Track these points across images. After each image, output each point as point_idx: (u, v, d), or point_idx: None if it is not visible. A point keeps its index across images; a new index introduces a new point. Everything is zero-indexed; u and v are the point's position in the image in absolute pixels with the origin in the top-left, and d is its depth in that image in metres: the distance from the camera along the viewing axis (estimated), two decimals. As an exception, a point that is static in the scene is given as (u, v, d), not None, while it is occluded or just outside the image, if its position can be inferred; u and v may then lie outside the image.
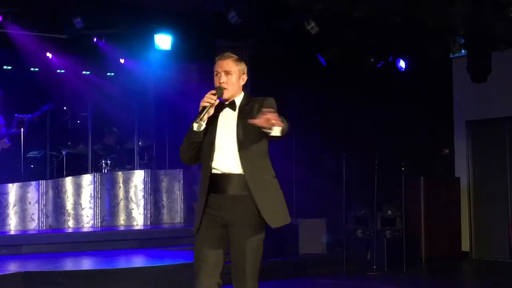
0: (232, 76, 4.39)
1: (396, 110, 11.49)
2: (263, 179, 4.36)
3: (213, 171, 4.29)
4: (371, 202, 10.23)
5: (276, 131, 4.21)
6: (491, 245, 11.39)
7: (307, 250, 10.19)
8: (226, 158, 4.28)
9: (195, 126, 4.27)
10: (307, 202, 11.00)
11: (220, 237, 4.31)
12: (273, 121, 4.10)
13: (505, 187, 11.27)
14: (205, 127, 4.30)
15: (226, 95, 4.35)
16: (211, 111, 4.27)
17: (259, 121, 4.08)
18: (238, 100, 4.44)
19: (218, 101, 4.30)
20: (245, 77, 4.51)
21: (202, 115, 4.21)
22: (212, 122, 4.34)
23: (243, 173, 4.25)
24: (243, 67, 4.50)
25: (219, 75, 4.38)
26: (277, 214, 4.40)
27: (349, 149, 10.36)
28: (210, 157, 4.29)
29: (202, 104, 4.21)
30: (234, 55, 4.48)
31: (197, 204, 4.42)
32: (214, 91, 4.28)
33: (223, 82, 4.35)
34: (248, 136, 4.28)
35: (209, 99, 4.23)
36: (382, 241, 10.18)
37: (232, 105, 4.39)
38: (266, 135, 4.22)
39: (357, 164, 10.31)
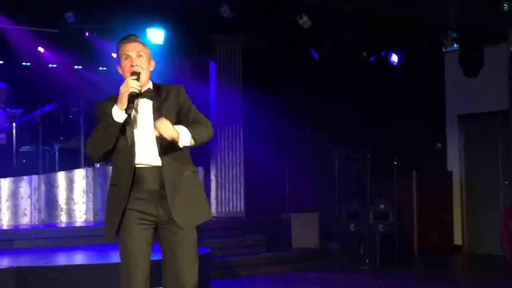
0: (144, 58, 4.04)
1: (389, 104, 11.53)
2: (177, 173, 3.99)
3: (137, 165, 3.96)
4: (364, 196, 10.26)
5: (183, 141, 3.85)
6: (483, 238, 11.43)
7: (300, 244, 10.21)
8: (147, 151, 3.97)
9: (119, 116, 3.86)
10: (300, 196, 11.02)
11: (149, 236, 4.02)
12: (166, 130, 3.77)
13: (497, 181, 11.31)
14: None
15: (141, 80, 3.97)
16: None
17: (160, 133, 3.79)
18: (151, 88, 4.09)
19: (140, 89, 3.94)
20: (153, 63, 4.17)
21: (133, 103, 3.84)
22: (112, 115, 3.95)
23: (163, 165, 3.94)
24: (149, 51, 4.15)
25: (129, 58, 4.00)
26: (189, 212, 3.99)
27: (341, 143, 10.39)
28: (131, 151, 3.95)
29: (129, 90, 3.83)
30: (139, 38, 4.13)
31: (111, 202, 4.06)
32: (133, 77, 3.91)
33: (136, 65, 3.98)
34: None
35: (134, 85, 3.87)
36: (374, 235, 10.21)
37: (148, 94, 4.04)
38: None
39: (350, 158, 10.34)
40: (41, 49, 10.70)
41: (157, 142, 3.96)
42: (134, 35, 4.16)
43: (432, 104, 11.99)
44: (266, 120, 11.00)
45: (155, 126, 3.79)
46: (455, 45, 10.66)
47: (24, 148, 11.10)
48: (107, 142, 3.94)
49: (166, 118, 3.86)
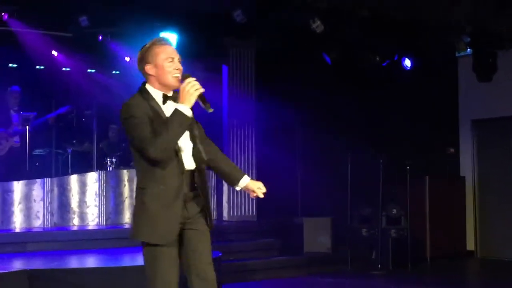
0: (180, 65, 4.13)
1: (402, 109, 11.49)
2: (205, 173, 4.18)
3: (186, 167, 4.04)
4: (376, 201, 10.22)
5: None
6: (496, 244, 11.37)
7: (312, 248, 10.19)
8: (186, 155, 4.07)
9: (190, 113, 3.91)
10: (312, 200, 11.01)
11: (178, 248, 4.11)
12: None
13: (510, 186, 11.24)
14: (157, 122, 3.95)
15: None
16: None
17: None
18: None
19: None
20: None
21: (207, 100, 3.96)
22: (162, 116, 4.01)
23: (194, 169, 4.10)
24: None
25: (173, 61, 4.07)
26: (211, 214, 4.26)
27: (354, 147, 10.36)
28: (178, 153, 4.01)
29: (200, 90, 3.93)
30: None
31: (158, 204, 4.00)
32: (193, 78, 3.98)
33: (179, 69, 4.07)
34: (194, 130, 4.14)
35: (198, 85, 3.95)
36: (387, 240, 10.17)
37: (175, 98, 4.05)
38: None
39: (362, 163, 10.30)
40: (54, 53, 10.75)
41: (193, 147, 4.08)
42: (168, 39, 4.25)
43: (445, 109, 11.95)
44: (279, 124, 11.00)
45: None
46: (468, 49, 10.61)
47: (37, 151, 11.15)
48: (177, 140, 3.95)
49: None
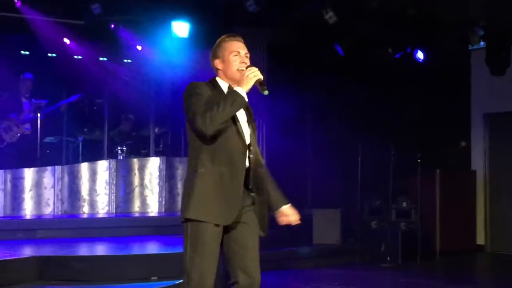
0: (248, 61, 4.20)
1: (414, 101, 11.44)
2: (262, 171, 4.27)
3: (247, 164, 4.09)
4: (386, 194, 10.19)
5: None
6: (506, 239, 11.31)
7: (321, 240, 10.17)
8: (254, 154, 4.16)
9: (243, 94, 3.99)
10: (322, 192, 11.00)
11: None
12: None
13: (521, 181, 11.19)
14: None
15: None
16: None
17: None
18: None
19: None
20: None
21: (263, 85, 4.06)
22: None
23: (249, 168, 4.13)
24: None
25: (239, 55, 4.17)
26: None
27: (365, 139, 10.33)
28: (243, 151, 4.07)
29: (258, 76, 4.02)
30: None
31: (219, 192, 4.01)
32: (255, 68, 4.07)
33: (245, 62, 4.15)
34: (253, 128, 4.23)
35: (258, 72, 4.05)
36: (396, 232, 10.14)
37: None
38: None
39: (373, 155, 10.27)
40: (66, 41, 10.76)
41: (251, 136, 4.14)
42: (239, 35, 4.31)
43: (458, 102, 11.88)
44: (290, 115, 10.97)
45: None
46: (481, 43, 10.55)
47: (48, 139, 11.18)
48: (228, 117, 3.95)
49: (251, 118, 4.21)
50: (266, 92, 4.06)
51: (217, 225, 3.99)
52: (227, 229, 4.07)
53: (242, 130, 4.08)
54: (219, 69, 4.21)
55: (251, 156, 4.11)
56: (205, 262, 3.99)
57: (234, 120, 4.05)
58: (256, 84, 4.04)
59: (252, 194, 4.13)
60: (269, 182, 4.37)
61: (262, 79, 4.05)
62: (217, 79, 4.22)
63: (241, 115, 4.14)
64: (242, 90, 3.97)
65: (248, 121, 4.19)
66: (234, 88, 4.00)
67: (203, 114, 3.90)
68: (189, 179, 4.08)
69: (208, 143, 4.00)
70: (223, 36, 4.28)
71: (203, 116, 3.89)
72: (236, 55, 4.16)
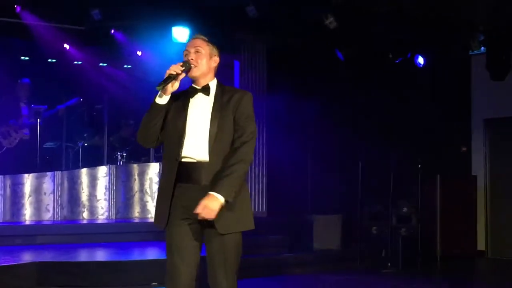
0: (201, 54, 4.16)
1: (414, 107, 11.43)
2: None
3: (183, 159, 4.02)
4: (387, 199, 10.17)
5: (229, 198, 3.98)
6: (507, 244, 11.29)
7: (322, 246, 10.14)
8: (197, 146, 4.03)
9: (158, 98, 4.04)
10: (322, 198, 10.97)
11: (195, 231, 4.05)
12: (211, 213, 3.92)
13: (522, 186, 11.17)
14: (174, 111, 4.10)
15: (194, 72, 4.13)
16: (176, 85, 4.06)
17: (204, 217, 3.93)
18: (213, 86, 4.20)
19: (183, 74, 4.08)
20: (217, 60, 4.25)
21: (166, 83, 3.99)
22: (183, 106, 4.12)
23: (211, 162, 4.01)
24: (215, 50, 4.25)
25: (188, 53, 4.19)
26: (231, 218, 4.04)
27: (365, 145, 10.31)
28: (179, 144, 4.02)
29: (168, 72, 4.03)
30: (205, 37, 4.28)
31: (160, 193, 4.15)
32: (181, 63, 4.10)
33: (191, 59, 4.14)
34: (221, 127, 4.05)
35: (175, 68, 4.04)
36: (397, 238, 10.11)
37: (205, 90, 4.16)
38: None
39: (374, 161, 10.26)
40: (66, 46, 10.76)
41: (209, 132, 4.05)
42: (201, 34, 4.33)
43: (458, 107, 11.87)
44: (290, 120, 10.96)
45: (199, 214, 3.92)
46: (482, 48, 10.54)
47: (47, 145, 11.18)
48: (149, 124, 4.09)
49: (223, 118, 4.05)
50: (157, 87, 4.03)
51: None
52: (205, 236, 4.10)
53: (184, 133, 4.04)
54: None
55: (211, 150, 4.03)
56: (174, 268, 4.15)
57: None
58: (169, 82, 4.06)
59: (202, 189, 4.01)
60: (222, 170, 4.05)
61: (174, 74, 4.02)
62: None
63: (198, 106, 4.13)
64: (159, 97, 4.07)
65: (215, 110, 4.10)
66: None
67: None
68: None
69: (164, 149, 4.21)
70: None
71: (139, 130, 4.24)
72: (185, 55, 4.21)
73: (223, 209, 3.94)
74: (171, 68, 4.04)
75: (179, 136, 4.04)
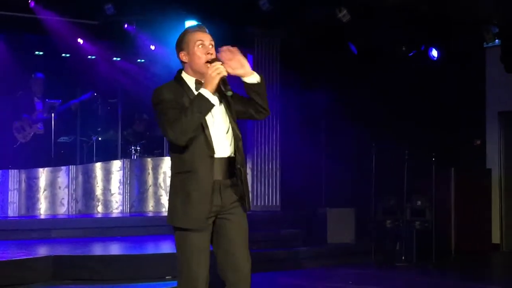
0: (214, 49, 4.09)
1: (428, 100, 11.38)
2: (243, 161, 4.11)
3: (215, 154, 3.97)
4: (401, 193, 10.14)
5: (252, 77, 4.05)
6: (522, 238, 11.25)
7: (335, 239, 10.14)
8: (222, 141, 4.01)
9: (214, 99, 3.90)
10: (336, 191, 10.96)
11: (210, 231, 4.04)
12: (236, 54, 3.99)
13: (537, 179, 11.11)
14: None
15: None
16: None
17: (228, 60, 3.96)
18: None
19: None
20: None
21: (226, 84, 3.90)
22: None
23: (231, 156, 4.03)
24: None
25: (204, 46, 4.05)
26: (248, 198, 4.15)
27: (379, 138, 10.28)
28: (207, 139, 3.96)
29: (222, 73, 3.89)
30: None
31: (186, 188, 3.97)
32: (219, 62, 3.95)
33: (211, 54, 4.03)
34: (233, 117, 4.10)
35: (223, 69, 3.92)
36: (411, 232, 10.08)
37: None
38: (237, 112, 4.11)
39: (388, 154, 10.22)
40: (80, 41, 10.78)
41: (232, 132, 4.06)
42: (203, 26, 4.21)
43: (472, 100, 11.80)
44: (303, 114, 10.95)
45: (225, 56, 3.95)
46: (496, 40, 10.47)
47: (62, 139, 11.22)
48: (196, 124, 3.89)
49: (232, 113, 4.08)
50: (229, 93, 3.93)
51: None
52: (216, 228, 4.06)
53: (210, 133, 3.97)
54: (184, 62, 4.12)
55: (233, 141, 4.06)
56: (192, 263, 4.02)
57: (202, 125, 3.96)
58: (220, 83, 3.92)
59: (235, 183, 4.05)
60: None
61: (226, 75, 3.93)
62: (183, 73, 4.14)
63: (217, 109, 4.03)
64: (207, 92, 3.89)
65: (226, 112, 4.09)
66: (200, 91, 3.90)
67: (171, 125, 3.88)
68: (170, 182, 4.17)
69: (176, 146, 4.00)
70: (187, 27, 4.22)
71: (172, 127, 3.88)
72: (200, 45, 4.06)
73: (247, 188, 4.07)
74: (217, 69, 3.90)
75: (207, 132, 3.97)
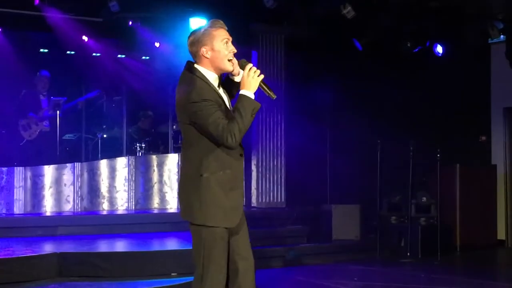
0: None
1: (433, 96, 11.38)
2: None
3: (241, 155, 4.11)
4: (406, 189, 10.15)
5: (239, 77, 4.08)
6: (527, 234, 11.24)
7: (341, 236, 10.15)
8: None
9: (257, 101, 4.01)
10: (341, 188, 10.96)
11: None
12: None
13: (543, 175, 11.09)
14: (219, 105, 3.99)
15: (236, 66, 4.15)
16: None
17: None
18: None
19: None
20: None
21: (268, 86, 4.04)
22: (221, 99, 4.06)
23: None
24: None
25: (228, 43, 4.08)
26: None
27: (384, 134, 10.28)
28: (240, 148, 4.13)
29: (261, 76, 4.01)
30: None
31: (226, 193, 4.03)
32: (251, 64, 4.05)
33: (234, 51, 4.10)
34: None
35: (258, 71, 4.03)
36: (416, 228, 10.09)
37: (223, 84, 4.22)
38: None
39: (392, 150, 10.22)
40: (85, 38, 10.79)
41: None
42: (223, 23, 4.18)
43: (477, 96, 11.79)
44: (308, 110, 10.94)
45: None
46: (501, 36, 10.45)
47: (67, 136, 11.24)
48: (248, 128, 3.99)
49: None
50: (274, 96, 4.00)
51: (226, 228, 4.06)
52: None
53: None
54: (205, 57, 4.06)
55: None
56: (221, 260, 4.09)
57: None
58: (261, 86, 3.98)
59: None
60: None
61: (264, 79, 4.00)
62: (200, 68, 4.09)
63: (228, 102, 4.15)
64: (251, 94, 3.95)
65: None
66: (245, 94, 3.94)
67: (229, 129, 3.87)
68: (192, 182, 4.06)
69: (212, 146, 3.99)
70: (209, 22, 4.15)
71: (230, 131, 3.87)
72: (226, 43, 4.06)
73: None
74: (257, 71, 4.00)
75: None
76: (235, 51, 4.07)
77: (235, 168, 4.05)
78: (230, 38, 4.08)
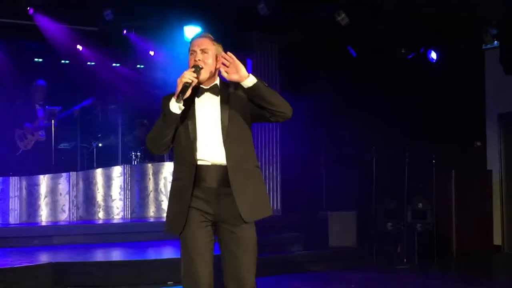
0: (208, 55, 4.04)
1: (428, 102, 11.39)
2: (243, 169, 4.04)
3: (199, 162, 3.98)
4: (402, 195, 10.15)
5: (248, 81, 3.92)
6: (523, 239, 11.24)
7: (337, 243, 10.14)
8: (211, 148, 3.99)
9: (174, 107, 3.90)
10: (337, 194, 10.97)
11: (210, 233, 4.03)
12: (233, 61, 3.90)
13: (538, 181, 11.11)
14: (183, 113, 3.96)
15: (203, 74, 4.00)
16: (189, 92, 3.91)
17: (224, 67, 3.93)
18: (219, 84, 4.12)
19: (196, 81, 3.95)
20: (220, 60, 4.08)
21: (184, 93, 3.85)
22: (189, 107, 4.01)
23: (226, 165, 3.98)
24: (220, 49, 4.13)
25: (194, 53, 4.04)
26: (253, 207, 4.06)
27: (379, 141, 10.29)
28: (193, 147, 3.98)
29: (183, 81, 3.87)
30: (211, 36, 4.16)
31: (174, 200, 4.08)
32: (192, 69, 3.96)
33: (198, 60, 4.01)
34: (233, 123, 4.03)
35: (190, 76, 3.89)
36: (412, 234, 10.09)
37: (213, 90, 4.08)
38: (252, 117, 4.11)
39: (388, 157, 10.23)
40: (79, 47, 10.80)
41: (222, 134, 4.01)
42: (206, 32, 4.22)
43: (472, 102, 11.81)
44: (303, 118, 10.94)
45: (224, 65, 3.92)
46: (495, 42, 10.48)
47: (62, 145, 11.23)
48: (163, 134, 4.00)
49: (234, 110, 4.03)
50: (179, 102, 3.88)
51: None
52: (219, 237, 4.09)
53: (196, 136, 3.99)
54: None
55: (227, 150, 4.01)
56: (190, 267, 4.08)
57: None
58: (181, 91, 3.89)
59: (230, 193, 4.00)
60: None
61: (190, 82, 3.89)
62: None
63: (210, 115, 4.04)
64: (173, 101, 3.90)
65: (223, 103, 4.06)
66: (170, 101, 3.93)
67: (148, 134, 4.09)
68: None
69: (175, 153, 4.13)
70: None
71: (147, 136, 4.10)
72: (192, 54, 4.08)
73: (247, 198, 4.00)
74: (184, 76, 3.90)
75: (192, 139, 4.00)
76: (199, 59, 4.02)
77: (184, 177, 4.08)
78: (199, 47, 4.06)
